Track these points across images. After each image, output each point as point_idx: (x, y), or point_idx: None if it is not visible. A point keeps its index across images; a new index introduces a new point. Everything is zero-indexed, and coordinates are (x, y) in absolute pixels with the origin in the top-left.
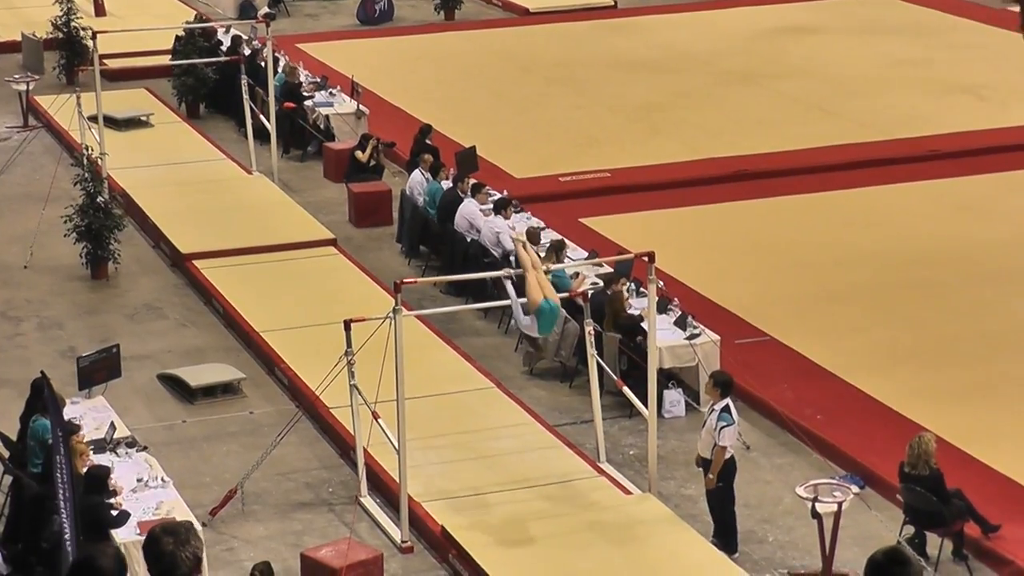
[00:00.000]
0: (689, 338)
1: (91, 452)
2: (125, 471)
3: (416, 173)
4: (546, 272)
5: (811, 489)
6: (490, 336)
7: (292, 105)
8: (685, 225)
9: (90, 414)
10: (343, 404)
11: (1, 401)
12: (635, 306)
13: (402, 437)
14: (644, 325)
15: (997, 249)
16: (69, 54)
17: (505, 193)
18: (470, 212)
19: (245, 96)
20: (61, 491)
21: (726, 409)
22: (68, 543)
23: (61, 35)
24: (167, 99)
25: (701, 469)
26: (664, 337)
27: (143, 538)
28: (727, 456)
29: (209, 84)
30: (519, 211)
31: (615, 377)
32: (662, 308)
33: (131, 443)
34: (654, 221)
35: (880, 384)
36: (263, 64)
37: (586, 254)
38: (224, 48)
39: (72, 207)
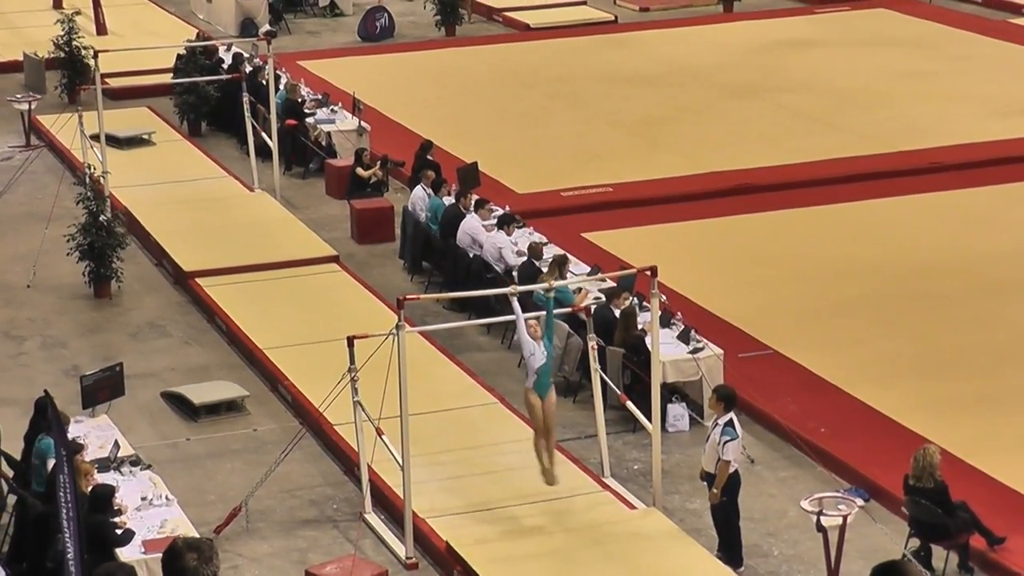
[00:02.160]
0: (692, 352)
1: (95, 471)
2: (129, 490)
3: (418, 189)
4: (549, 288)
5: (816, 502)
6: (493, 352)
7: (294, 122)
8: (687, 239)
9: (94, 433)
10: (347, 421)
11: (5, 420)
12: (638, 320)
13: (406, 453)
14: (648, 341)
15: (999, 261)
16: (71, 73)
17: (507, 209)
18: (472, 228)
19: (247, 114)
20: (65, 510)
21: (730, 423)
22: (72, 562)
23: (63, 54)
24: (169, 117)
25: (705, 483)
26: (667, 351)
27: (147, 557)
28: (731, 470)
29: (211, 102)
30: (521, 226)
31: (619, 392)
32: (665, 322)
33: (135, 461)
34: (656, 235)
35: (884, 396)
36: (264, 81)
37: (589, 269)
38: (225, 66)
39: (75, 226)
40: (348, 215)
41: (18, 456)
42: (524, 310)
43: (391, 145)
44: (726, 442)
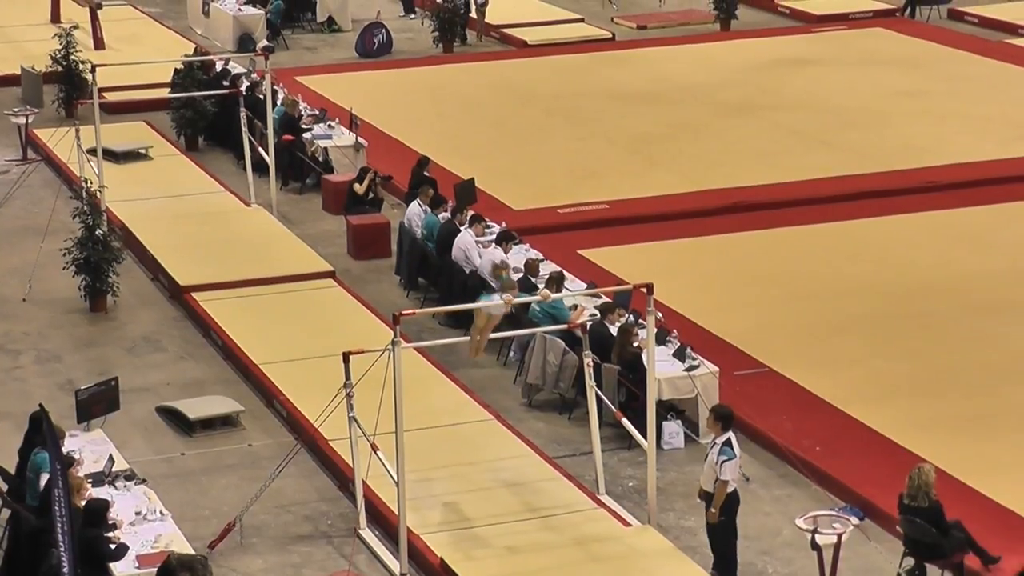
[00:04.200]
0: (688, 369)
1: (90, 486)
2: (124, 504)
3: (414, 205)
4: (545, 298)
5: (811, 521)
6: (489, 368)
7: (291, 137)
8: (684, 256)
9: (89, 447)
10: (342, 436)
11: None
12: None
13: (401, 469)
14: (644, 358)
15: (995, 280)
16: (68, 87)
17: (504, 225)
18: (466, 243)
19: (244, 129)
20: (59, 524)
21: (727, 443)
22: None
23: (60, 68)
24: (166, 132)
25: (703, 502)
26: (663, 368)
27: (141, 572)
28: (729, 490)
29: (208, 117)
30: (517, 243)
31: (614, 409)
32: (661, 339)
33: (130, 476)
34: (653, 253)
35: (879, 415)
36: (262, 97)
37: (585, 286)
38: (225, 82)
39: (71, 240)
40: (344, 230)
41: (12, 470)
42: (519, 326)
43: (388, 161)
44: (723, 462)
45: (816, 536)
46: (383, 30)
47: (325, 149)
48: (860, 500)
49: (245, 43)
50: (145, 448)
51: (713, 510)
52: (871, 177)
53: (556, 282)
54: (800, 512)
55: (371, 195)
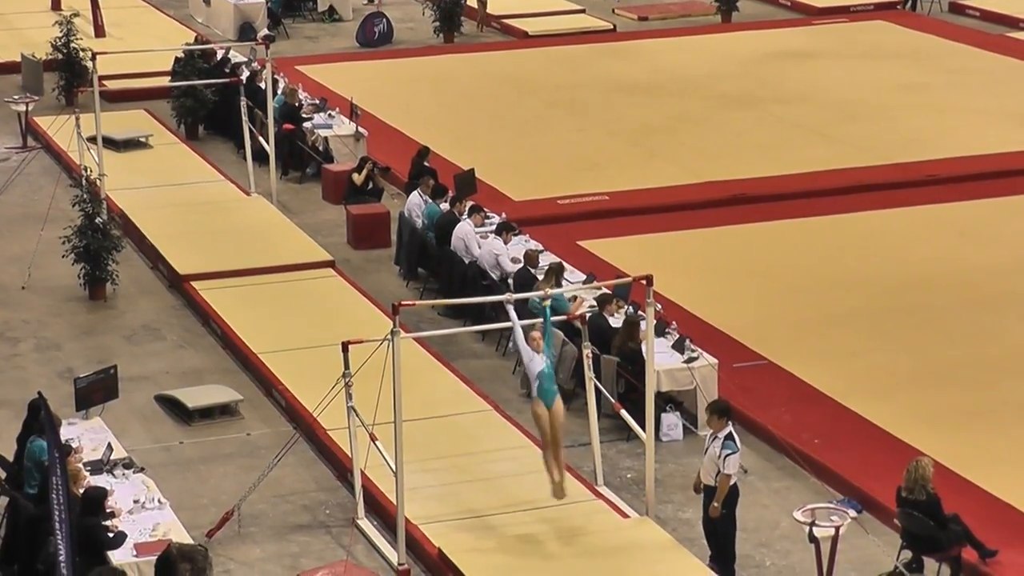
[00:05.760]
0: (687, 361)
1: (88, 474)
2: (122, 493)
3: (414, 195)
4: (545, 296)
5: (808, 513)
6: (488, 358)
7: (291, 127)
8: (683, 248)
9: (87, 435)
10: (341, 426)
11: None
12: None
13: (399, 459)
14: (643, 349)
15: (995, 274)
16: (68, 75)
17: (504, 216)
18: (465, 233)
19: (244, 118)
20: (57, 512)
21: (729, 437)
22: (63, 565)
23: (61, 56)
24: (166, 120)
25: (701, 495)
26: (662, 360)
27: (139, 560)
28: (731, 483)
29: (208, 106)
30: (517, 234)
31: (613, 400)
32: (660, 331)
33: (128, 464)
34: (652, 244)
35: (878, 408)
36: (262, 86)
37: (584, 277)
38: (226, 71)
39: (70, 228)
40: (344, 220)
41: (11, 458)
42: (520, 317)
43: (388, 151)
44: (727, 456)
45: (814, 529)
46: (384, 20)
47: (325, 138)
48: (858, 493)
49: (246, 32)
50: (144, 436)
51: (716, 504)
52: (871, 170)
53: (555, 273)
54: (798, 504)
55: (370, 185)
